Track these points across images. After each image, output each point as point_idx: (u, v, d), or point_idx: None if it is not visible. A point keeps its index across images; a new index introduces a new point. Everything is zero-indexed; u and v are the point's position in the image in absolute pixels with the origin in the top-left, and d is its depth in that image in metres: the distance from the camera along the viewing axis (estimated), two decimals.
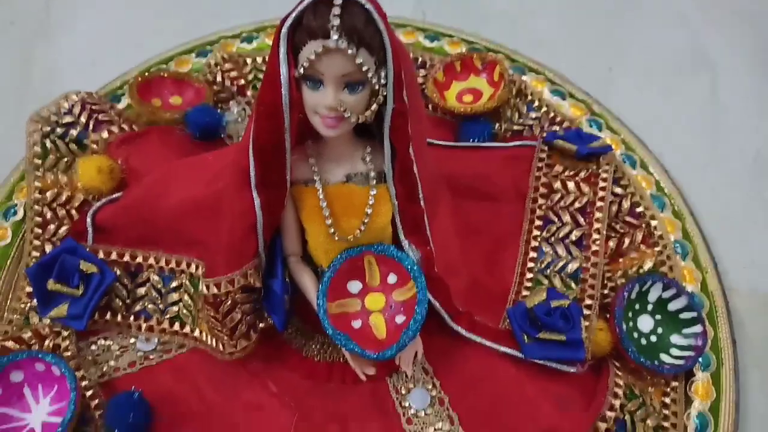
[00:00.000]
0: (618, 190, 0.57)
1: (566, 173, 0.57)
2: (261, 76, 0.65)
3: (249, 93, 0.64)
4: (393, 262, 0.47)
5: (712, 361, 0.51)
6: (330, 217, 0.44)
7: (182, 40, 0.68)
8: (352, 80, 0.38)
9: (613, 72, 0.72)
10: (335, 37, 0.36)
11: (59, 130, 0.55)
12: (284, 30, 0.37)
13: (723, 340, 0.52)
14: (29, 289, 0.53)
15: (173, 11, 0.75)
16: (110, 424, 0.47)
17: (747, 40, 0.76)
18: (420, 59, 0.67)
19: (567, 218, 0.56)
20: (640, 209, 0.57)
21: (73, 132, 0.55)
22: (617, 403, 0.48)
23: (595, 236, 0.54)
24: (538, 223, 0.56)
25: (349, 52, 0.36)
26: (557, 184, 0.57)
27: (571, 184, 0.57)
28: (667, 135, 0.65)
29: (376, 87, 0.39)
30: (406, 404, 0.49)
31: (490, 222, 0.57)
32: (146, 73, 0.64)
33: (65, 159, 0.55)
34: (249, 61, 0.66)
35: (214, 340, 0.48)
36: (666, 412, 0.49)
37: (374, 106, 0.40)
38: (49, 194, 0.54)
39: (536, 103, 0.64)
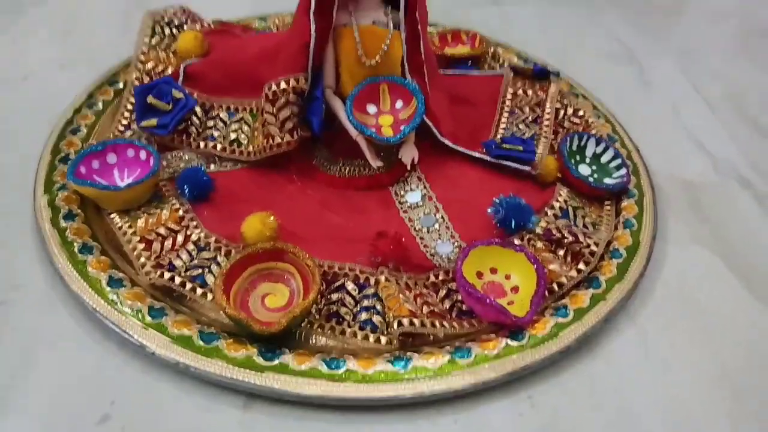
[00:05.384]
0: (564, 102, 0.78)
1: (526, 85, 0.78)
2: None
3: None
4: (401, 88, 0.65)
5: (636, 194, 0.68)
6: (359, 42, 0.64)
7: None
8: None
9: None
10: None
11: (166, 19, 0.77)
12: None
13: (643, 181, 0.70)
14: (124, 122, 0.71)
15: None
16: (180, 184, 0.62)
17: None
18: None
19: (527, 110, 0.75)
20: (581, 113, 0.77)
21: (176, 21, 0.77)
22: (561, 198, 0.64)
23: (546, 116, 0.73)
24: (506, 113, 0.76)
25: None
26: (520, 92, 0.77)
27: (530, 91, 0.77)
28: (606, 89, 0.87)
29: None
30: (404, 201, 0.65)
31: (472, 116, 0.76)
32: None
33: (167, 41, 0.76)
34: None
35: (266, 139, 0.65)
36: (601, 215, 0.65)
37: None
38: (149, 64, 0.74)
39: (505, 64, 0.87)
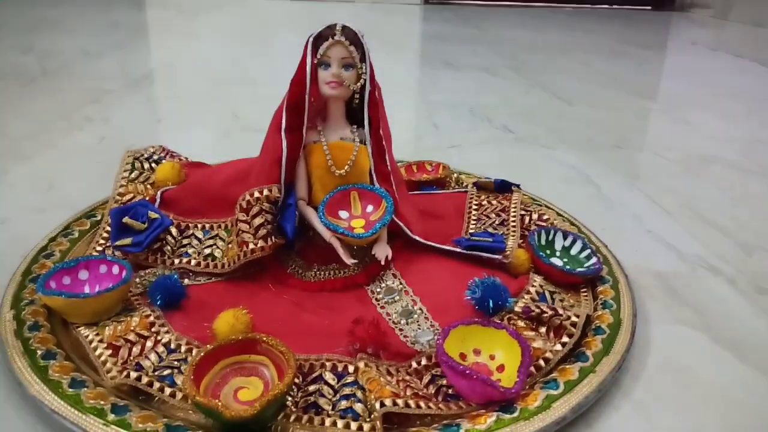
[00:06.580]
0: (528, 209, 0.81)
1: (490, 197, 0.82)
2: None
3: None
4: (370, 194, 0.68)
5: (610, 280, 0.68)
6: (329, 155, 0.68)
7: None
8: (346, 63, 0.68)
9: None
10: (338, 35, 0.67)
11: (146, 155, 0.81)
12: (311, 39, 0.69)
13: (615, 270, 0.70)
14: (99, 248, 0.71)
15: None
16: (152, 292, 0.61)
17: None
18: None
19: (493, 216, 0.78)
20: (545, 217, 0.80)
21: (155, 156, 0.81)
22: (537, 284, 0.64)
23: (512, 217, 0.76)
24: (473, 221, 0.78)
25: (346, 42, 0.67)
26: (485, 202, 0.81)
27: (494, 201, 0.81)
28: (567, 204, 0.91)
29: (360, 73, 0.69)
30: (381, 297, 0.64)
31: (442, 225, 0.78)
32: None
33: (146, 174, 0.79)
34: None
35: (240, 247, 0.65)
36: (579, 300, 0.65)
37: (360, 82, 0.68)
38: (127, 196, 0.77)
39: (468, 187, 0.92)
